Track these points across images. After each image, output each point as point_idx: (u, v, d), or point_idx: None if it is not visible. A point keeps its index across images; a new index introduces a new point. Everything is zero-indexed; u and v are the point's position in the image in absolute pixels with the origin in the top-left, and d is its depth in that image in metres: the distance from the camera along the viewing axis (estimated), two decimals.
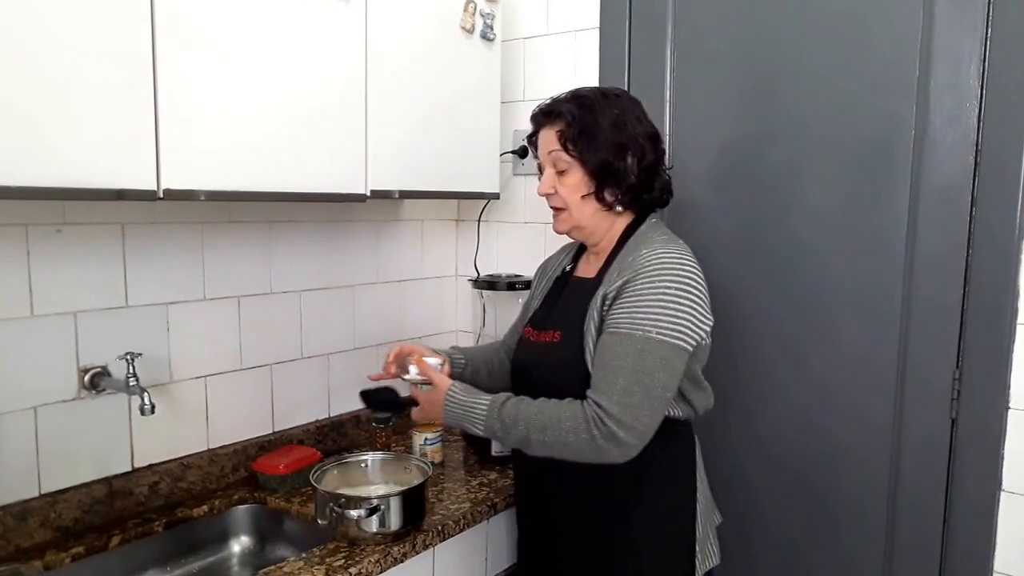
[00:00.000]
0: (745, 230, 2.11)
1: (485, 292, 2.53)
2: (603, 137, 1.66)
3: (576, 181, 1.69)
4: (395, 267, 2.55)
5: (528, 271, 2.54)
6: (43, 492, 1.73)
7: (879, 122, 1.92)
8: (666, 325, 1.54)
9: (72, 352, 1.76)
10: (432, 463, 1.94)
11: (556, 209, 1.76)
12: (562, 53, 2.45)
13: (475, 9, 2.20)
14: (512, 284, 2.46)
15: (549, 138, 1.71)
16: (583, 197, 1.70)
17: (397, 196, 2.06)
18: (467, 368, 1.97)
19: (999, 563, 1.84)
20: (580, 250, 1.90)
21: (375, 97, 1.93)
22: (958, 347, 1.86)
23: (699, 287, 1.60)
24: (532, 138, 1.80)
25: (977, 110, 1.80)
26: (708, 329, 1.62)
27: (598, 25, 2.35)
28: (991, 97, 1.78)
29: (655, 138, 1.72)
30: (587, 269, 1.81)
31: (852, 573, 2.03)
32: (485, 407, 1.64)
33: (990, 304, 1.80)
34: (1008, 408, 1.80)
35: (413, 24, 2.03)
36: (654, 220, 1.77)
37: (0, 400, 1.66)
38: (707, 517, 1.79)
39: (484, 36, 2.25)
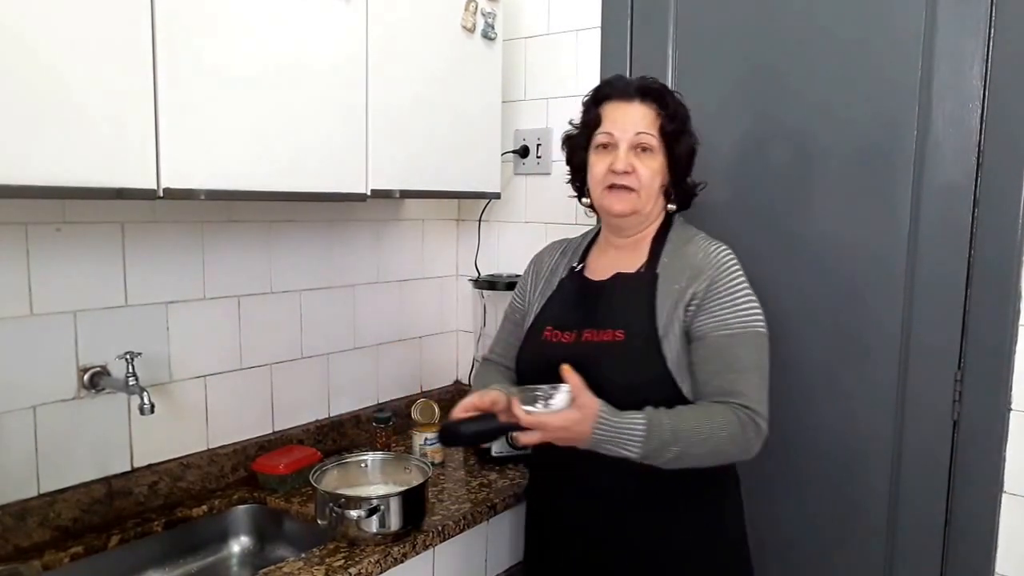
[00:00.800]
0: (746, 230, 2.10)
1: (486, 292, 2.53)
2: (689, 135, 1.72)
3: (659, 166, 1.70)
4: (396, 267, 2.55)
5: None
6: (42, 492, 1.73)
7: (881, 123, 1.91)
8: (759, 317, 1.63)
9: (71, 351, 1.76)
10: (432, 463, 1.94)
11: (623, 188, 1.68)
12: (564, 52, 2.44)
13: (476, 8, 2.20)
14: (513, 284, 2.44)
15: (644, 116, 1.68)
16: (661, 185, 1.71)
17: (398, 195, 2.05)
18: None
19: (1000, 566, 1.83)
20: (588, 247, 1.87)
21: (376, 96, 1.93)
22: (960, 349, 1.85)
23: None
24: (597, 104, 1.74)
25: (979, 111, 1.80)
26: None
27: (600, 24, 2.35)
28: (993, 98, 1.78)
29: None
30: (611, 265, 1.76)
31: (854, 574, 2.03)
32: (642, 428, 1.50)
33: (992, 305, 1.80)
34: (1010, 410, 1.80)
35: (414, 23, 2.03)
36: (680, 218, 1.81)
37: (0, 399, 1.66)
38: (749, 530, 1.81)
39: (485, 35, 2.25)
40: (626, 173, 1.67)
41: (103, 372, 1.79)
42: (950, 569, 1.89)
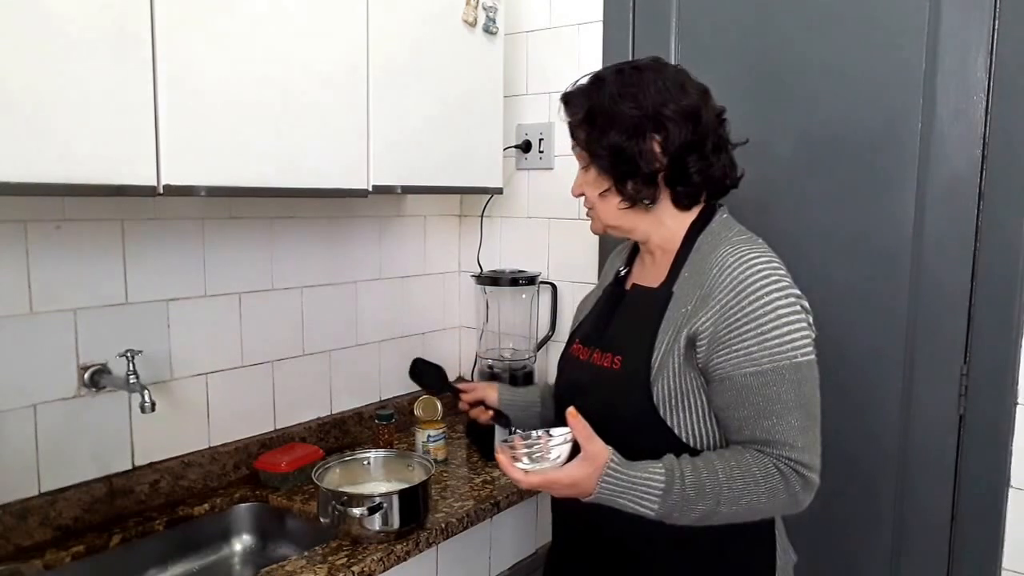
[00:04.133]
0: (750, 223, 2.09)
1: (488, 288, 2.52)
2: (613, 119, 1.42)
3: (593, 177, 1.50)
4: (398, 263, 2.54)
5: (531, 266, 2.54)
6: (43, 491, 1.72)
7: (886, 115, 1.90)
8: (800, 342, 1.33)
9: (72, 349, 1.75)
10: (435, 461, 1.94)
11: (588, 210, 1.56)
12: (565, 46, 2.43)
13: (477, 2, 2.18)
14: (515, 280, 2.44)
15: (569, 130, 1.53)
16: (602, 194, 1.49)
17: (399, 191, 2.04)
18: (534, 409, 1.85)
19: (1007, 560, 1.82)
20: (634, 249, 1.66)
21: (377, 91, 1.92)
22: (966, 342, 1.84)
23: (795, 287, 1.38)
24: None
25: (984, 102, 1.79)
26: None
27: (601, 18, 2.34)
28: (998, 89, 1.77)
29: (692, 112, 1.43)
30: (644, 275, 1.56)
31: (860, 570, 2.02)
32: (661, 482, 1.30)
33: (998, 298, 1.79)
34: (1016, 404, 1.79)
35: (415, 18, 2.01)
36: (724, 215, 1.53)
37: (0, 398, 1.65)
38: (785, 570, 1.55)
39: (487, 30, 2.23)
40: (578, 195, 1.56)
41: (104, 370, 1.78)
42: (956, 563, 1.88)
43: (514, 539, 2.09)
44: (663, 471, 1.31)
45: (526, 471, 1.33)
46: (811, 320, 1.39)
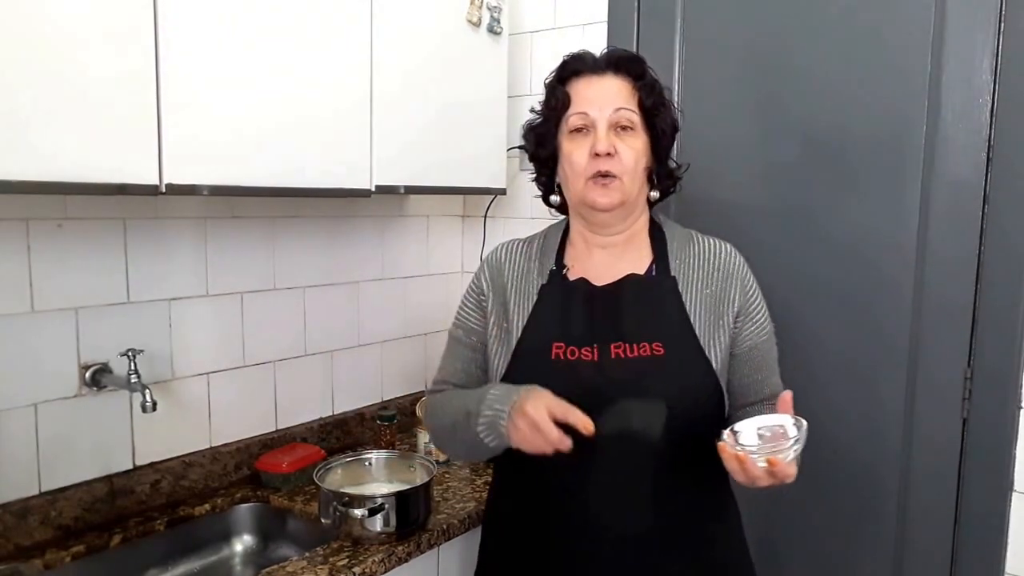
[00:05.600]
0: (752, 228, 2.09)
1: None
2: (669, 109, 1.52)
3: (643, 146, 1.48)
4: (400, 263, 2.54)
5: None
6: (43, 490, 1.72)
7: (890, 118, 1.90)
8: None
9: (73, 349, 1.74)
10: (436, 462, 1.93)
11: (606, 176, 1.45)
12: (570, 47, 2.38)
13: (482, 2, 2.18)
14: None
15: (620, 90, 1.47)
16: (644, 169, 1.50)
17: (402, 191, 2.04)
18: None
19: (1010, 565, 1.81)
20: (560, 247, 1.61)
21: (380, 91, 1.91)
22: (969, 346, 1.83)
23: None
24: (564, 83, 1.53)
25: (990, 105, 1.78)
26: None
27: (606, 19, 2.33)
28: (1004, 93, 1.76)
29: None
30: (614, 264, 1.54)
31: (863, 573, 2.01)
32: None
33: (1002, 302, 1.78)
34: (1020, 408, 1.78)
35: (419, 18, 2.01)
36: (655, 210, 1.64)
37: (0, 397, 1.65)
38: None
39: (491, 30, 2.23)
40: (608, 155, 1.44)
41: (105, 369, 1.78)
42: (960, 568, 1.88)
43: None
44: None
45: (779, 460, 1.30)
46: None
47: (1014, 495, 1.80)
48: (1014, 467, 1.79)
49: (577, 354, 1.46)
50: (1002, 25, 1.75)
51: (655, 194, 1.57)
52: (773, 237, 2.06)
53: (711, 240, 1.58)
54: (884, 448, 1.96)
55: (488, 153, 2.30)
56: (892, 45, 1.88)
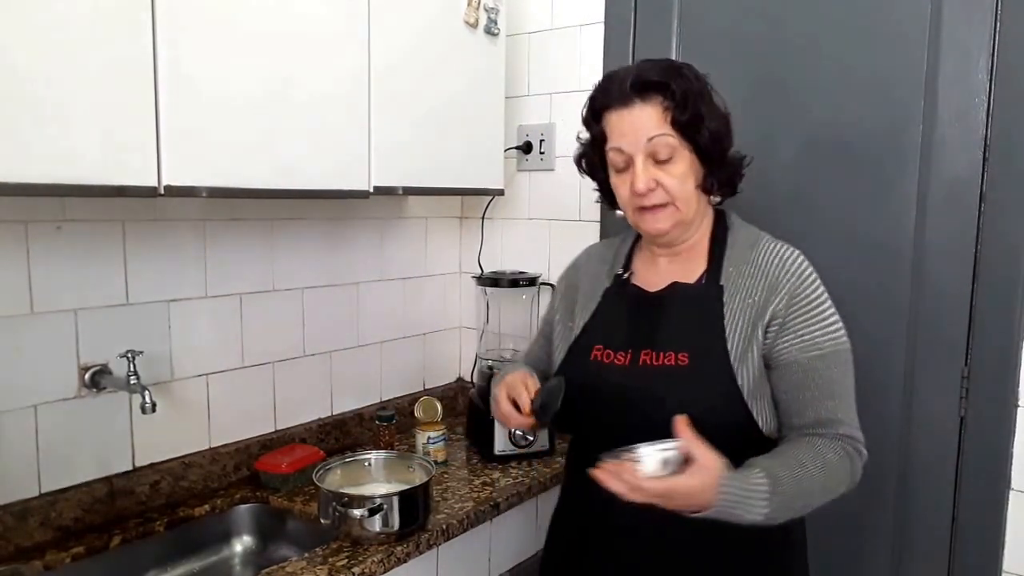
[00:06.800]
0: (751, 224, 2.09)
1: (489, 289, 2.52)
2: (713, 110, 1.45)
3: (686, 168, 1.43)
4: (399, 264, 2.54)
5: (532, 268, 2.53)
6: (43, 491, 1.72)
7: (887, 117, 1.90)
8: (843, 330, 1.45)
9: (72, 350, 1.75)
10: (435, 462, 1.93)
11: (655, 207, 1.45)
12: (567, 48, 2.43)
13: (479, 4, 2.18)
14: (516, 281, 2.44)
15: (651, 117, 1.41)
16: (696, 186, 1.46)
17: (401, 193, 2.04)
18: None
19: (1008, 562, 1.82)
20: (631, 251, 1.65)
21: (378, 92, 1.92)
22: (967, 344, 1.84)
23: None
24: (597, 119, 1.50)
25: (986, 104, 1.79)
26: None
27: (603, 19, 2.33)
28: (1000, 91, 1.77)
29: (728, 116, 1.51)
30: (660, 273, 1.55)
31: (861, 572, 2.02)
32: (766, 487, 1.28)
33: (999, 300, 1.79)
34: (1017, 406, 1.78)
35: (416, 19, 2.01)
36: (734, 214, 1.59)
37: (0, 399, 1.65)
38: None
39: (488, 31, 2.23)
40: (651, 191, 1.43)
41: (104, 371, 1.78)
42: (957, 566, 1.88)
43: (514, 541, 2.08)
44: (763, 475, 1.29)
45: (646, 478, 1.24)
46: None
47: (1011, 493, 1.81)
48: (1011, 465, 1.80)
49: (612, 358, 1.49)
50: (998, 24, 1.76)
51: (716, 198, 1.53)
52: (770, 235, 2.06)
53: (774, 245, 1.49)
54: (882, 446, 1.95)
55: (486, 154, 2.30)
56: (889, 45, 1.89)
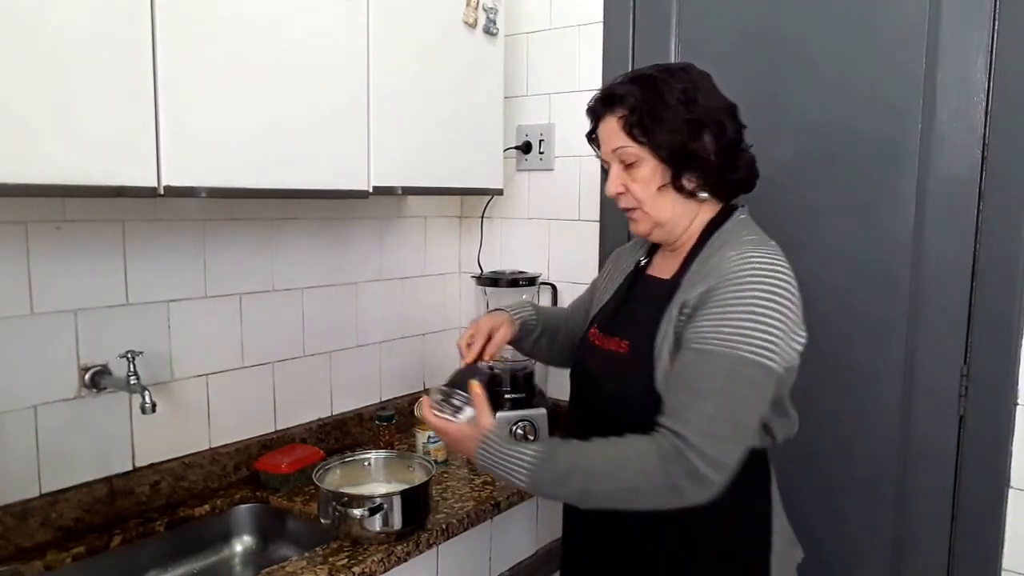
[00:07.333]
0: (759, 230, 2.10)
1: (489, 289, 2.52)
2: (673, 115, 1.44)
3: (648, 172, 1.48)
4: (398, 264, 2.54)
5: (531, 267, 2.54)
6: (43, 492, 1.72)
7: (885, 117, 1.90)
8: (758, 342, 1.32)
9: (72, 350, 1.75)
10: (435, 461, 1.93)
11: (629, 209, 1.55)
12: (566, 47, 2.43)
13: (478, 4, 2.18)
14: (516, 280, 2.44)
15: (611, 129, 1.50)
16: (659, 189, 1.48)
17: (400, 192, 2.04)
18: (534, 334, 1.82)
19: (1007, 560, 1.82)
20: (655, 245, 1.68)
21: (377, 92, 1.92)
22: (966, 343, 1.84)
23: (793, 298, 1.38)
24: (592, 135, 1.59)
25: (984, 104, 1.79)
26: (801, 347, 1.43)
27: (602, 19, 2.34)
28: (999, 91, 1.77)
29: (733, 111, 1.52)
30: (662, 267, 1.59)
31: (860, 570, 2.02)
32: (531, 458, 1.38)
33: (998, 299, 1.79)
34: (1016, 404, 1.79)
35: (415, 19, 2.02)
36: (743, 216, 1.56)
37: (0, 399, 1.65)
38: (784, 557, 1.56)
39: (487, 31, 2.24)
40: (620, 195, 1.52)
41: (104, 371, 1.78)
42: (957, 564, 1.88)
43: (515, 540, 2.09)
44: (539, 448, 1.40)
45: (435, 414, 1.52)
46: (795, 334, 1.40)
47: (1011, 491, 1.81)
48: (1010, 463, 1.80)
49: (596, 339, 1.60)
50: (996, 24, 1.76)
51: (704, 195, 1.51)
52: (769, 235, 2.06)
53: (741, 247, 1.43)
54: (881, 445, 1.96)
55: (485, 154, 2.30)
56: (887, 45, 1.89)
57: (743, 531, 1.50)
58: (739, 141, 1.53)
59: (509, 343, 1.79)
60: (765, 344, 1.32)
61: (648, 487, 1.32)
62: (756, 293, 1.34)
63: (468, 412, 1.52)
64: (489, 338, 1.73)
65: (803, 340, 1.42)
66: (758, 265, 1.37)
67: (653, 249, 1.68)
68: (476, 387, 1.52)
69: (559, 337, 1.86)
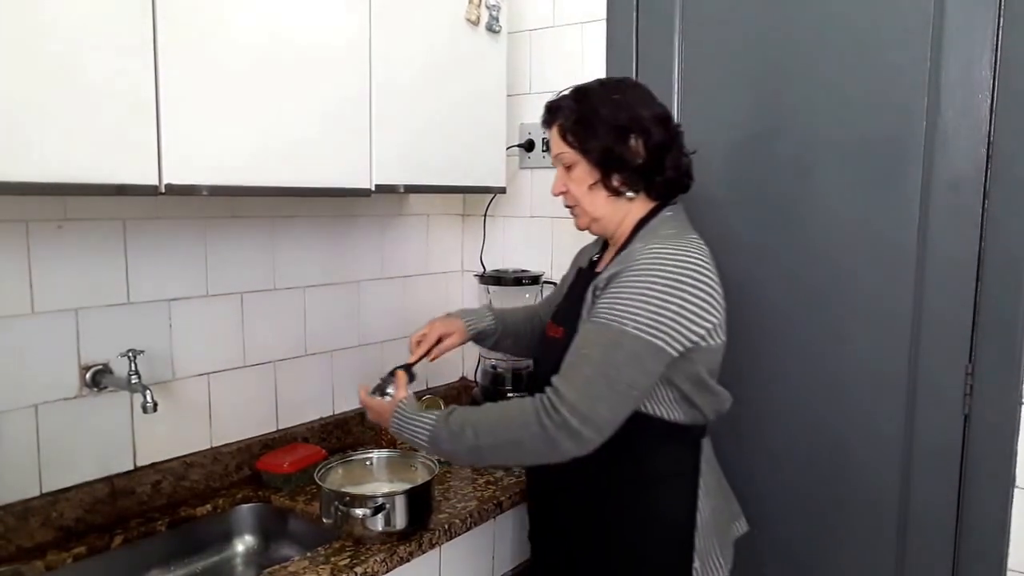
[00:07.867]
0: (753, 226, 2.09)
1: (491, 287, 2.51)
2: (601, 122, 1.62)
3: (582, 173, 1.67)
4: (400, 262, 2.54)
5: (534, 266, 2.53)
6: (44, 491, 1.71)
7: (890, 115, 1.89)
8: (645, 320, 1.46)
9: (73, 349, 1.74)
10: (438, 461, 1.92)
11: (570, 207, 1.75)
12: (569, 45, 2.42)
13: (480, 1, 2.18)
14: (519, 279, 2.43)
15: (554, 137, 1.70)
16: (591, 187, 1.67)
17: (402, 191, 2.03)
18: (493, 338, 2.01)
19: (1013, 561, 1.81)
20: (606, 242, 1.83)
21: (379, 90, 1.91)
22: (970, 342, 1.83)
23: (694, 286, 1.50)
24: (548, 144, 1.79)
25: (989, 101, 1.78)
26: (706, 330, 1.52)
27: (605, 16, 2.33)
28: (1003, 89, 1.76)
29: (664, 119, 1.66)
30: (606, 261, 1.75)
31: (865, 572, 2.01)
32: (431, 420, 1.59)
33: (1002, 298, 1.78)
34: (1021, 404, 1.78)
35: (417, 17, 2.01)
36: (669, 213, 1.69)
37: (1, 398, 1.65)
38: (715, 528, 1.68)
39: (490, 28, 2.23)
40: (562, 193, 1.73)
41: (105, 370, 1.78)
42: (962, 564, 1.88)
43: (517, 539, 2.08)
44: (440, 412, 1.60)
45: (368, 395, 1.76)
46: (694, 318, 1.51)
47: (1016, 491, 1.80)
48: (1016, 463, 1.79)
49: (549, 329, 1.79)
50: (1001, 21, 1.75)
51: (630, 193, 1.67)
52: (773, 235, 2.06)
53: (655, 241, 1.59)
54: (886, 444, 1.95)
55: (487, 152, 2.30)
56: (892, 43, 1.88)
57: (668, 498, 1.66)
58: (669, 146, 1.66)
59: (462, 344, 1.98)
60: (653, 324, 1.47)
61: (527, 438, 1.49)
62: (652, 278, 1.49)
63: (391, 392, 1.76)
64: (439, 341, 1.92)
65: (711, 324, 1.53)
66: (661, 255, 1.53)
67: (606, 245, 1.82)
68: (400, 373, 1.78)
69: (524, 335, 2.03)
